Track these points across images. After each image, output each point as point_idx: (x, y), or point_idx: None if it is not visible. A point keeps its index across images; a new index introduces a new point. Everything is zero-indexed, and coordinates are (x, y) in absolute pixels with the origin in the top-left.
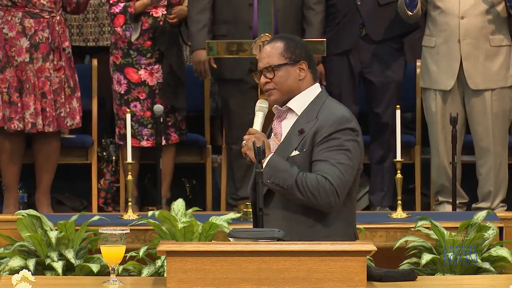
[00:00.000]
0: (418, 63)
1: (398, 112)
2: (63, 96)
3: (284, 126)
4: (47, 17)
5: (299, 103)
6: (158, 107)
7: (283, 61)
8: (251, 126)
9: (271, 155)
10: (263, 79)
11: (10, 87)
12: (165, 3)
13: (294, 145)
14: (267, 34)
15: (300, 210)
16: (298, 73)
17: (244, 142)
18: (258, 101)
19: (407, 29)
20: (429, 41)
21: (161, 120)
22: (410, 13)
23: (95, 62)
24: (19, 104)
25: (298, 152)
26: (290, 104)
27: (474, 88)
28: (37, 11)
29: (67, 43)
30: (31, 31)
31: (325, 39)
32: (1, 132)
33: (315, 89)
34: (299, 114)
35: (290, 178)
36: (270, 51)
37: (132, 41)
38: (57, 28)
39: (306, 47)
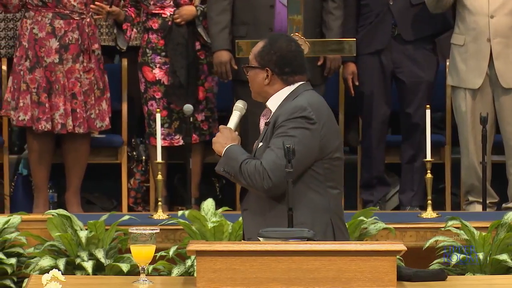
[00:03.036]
0: (448, 63)
1: (428, 112)
2: (93, 98)
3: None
4: (77, 18)
5: (275, 101)
6: (188, 107)
7: (254, 63)
8: None
9: (229, 145)
10: None
11: (39, 87)
12: (171, 3)
13: (261, 138)
14: (296, 34)
15: (268, 202)
16: (264, 78)
17: (214, 138)
18: (237, 101)
19: (439, 29)
20: (458, 39)
21: (191, 120)
22: None
23: (125, 62)
24: (47, 105)
25: (262, 144)
26: (268, 103)
27: (506, 86)
28: (67, 12)
29: (96, 45)
30: (61, 32)
31: (354, 39)
32: (30, 132)
33: (288, 90)
34: (273, 111)
35: (236, 165)
36: (253, 49)
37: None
38: (86, 30)
39: (280, 53)
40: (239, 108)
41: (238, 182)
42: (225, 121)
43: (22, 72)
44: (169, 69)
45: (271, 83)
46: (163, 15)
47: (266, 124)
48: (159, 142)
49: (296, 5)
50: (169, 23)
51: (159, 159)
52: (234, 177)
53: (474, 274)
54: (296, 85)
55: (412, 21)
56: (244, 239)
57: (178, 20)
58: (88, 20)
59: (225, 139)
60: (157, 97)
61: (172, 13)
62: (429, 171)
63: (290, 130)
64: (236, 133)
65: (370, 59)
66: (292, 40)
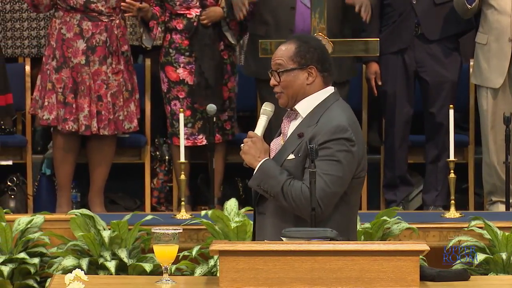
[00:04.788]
0: (471, 63)
1: (451, 112)
2: (121, 100)
3: (292, 127)
4: (106, 20)
5: (305, 105)
6: (211, 107)
7: (291, 66)
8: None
9: (264, 160)
10: (272, 81)
11: (65, 87)
12: (197, 3)
13: (292, 149)
14: (320, 34)
15: (292, 213)
16: (306, 77)
17: (242, 145)
18: (264, 104)
19: (463, 28)
20: (482, 38)
21: (214, 120)
22: (470, 6)
23: (148, 61)
24: (73, 105)
25: (294, 156)
26: (297, 106)
27: None
28: (95, 14)
29: (126, 47)
30: (88, 33)
31: (378, 39)
32: (56, 130)
33: (324, 93)
34: (304, 117)
35: (277, 185)
36: (282, 53)
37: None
38: (115, 32)
39: (320, 50)
40: (267, 112)
41: (277, 201)
42: (246, 121)
43: (48, 72)
44: (195, 70)
45: (313, 82)
46: (188, 16)
47: (299, 135)
48: (182, 142)
49: (319, 5)
50: (195, 23)
51: (182, 159)
52: (273, 197)
53: (497, 274)
54: (328, 93)
55: (435, 20)
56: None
57: (205, 22)
58: (117, 22)
59: (257, 152)
60: (180, 96)
61: (198, 13)
62: (452, 171)
63: (336, 154)
64: (267, 146)
65: (393, 59)
66: (317, 38)
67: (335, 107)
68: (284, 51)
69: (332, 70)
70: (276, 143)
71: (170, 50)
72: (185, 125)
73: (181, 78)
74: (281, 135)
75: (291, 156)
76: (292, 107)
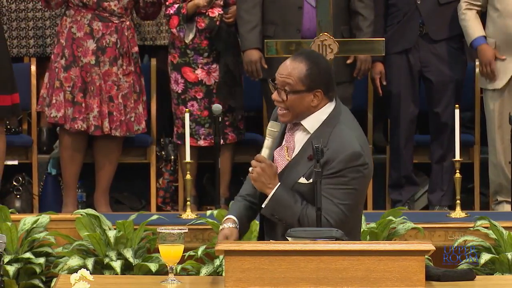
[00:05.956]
0: (477, 62)
1: (457, 112)
2: (132, 101)
3: (297, 141)
4: (116, 21)
5: (312, 122)
6: (217, 107)
7: (300, 88)
8: None
9: (276, 188)
10: (276, 96)
11: (74, 86)
12: (221, 3)
13: (302, 172)
14: (326, 33)
15: None
16: (311, 100)
17: (251, 169)
18: (269, 124)
19: None
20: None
21: (220, 120)
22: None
23: (153, 61)
24: (83, 105)
25: (306, 181)
26: (304, 122)
27: None
28: (107, 15)
29: (136, 48)
30: (98, 34)
31: (383, 39)
32: (63, 129)
33: (329, 107)
34: (311, 133)
35: (293, 216)
36: (291, 72)
37: (187, 42)
38: (126, 33)
39: (328, 73)
40: (273, 134)
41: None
42: (251, 121)
43: (57, 70)
44: (219, 69)
45: (317, 105)
46: (210, 15)
47: (309, 158)
48: (188, 141)
49: (325, 5)
50: (217, 23)
51: (188, 158)
52: (289, 226)
53: (503, 274)
54: (331, 107)
55: (439, 20)
56: (262, 238)
57: (230, 20)
58: (128, 23)
59: (268, 179)
60: (198, 97)
61: (220, 12)
62: (458, 171)
63: (352, 182)
64: (276, 167)
65: (398, 59)
66: (323, 56)
67: (343, 126)
68: (294, 70)
69: (335, 88)
70: (281, 155)
71: (188, 51)
72: (202, 126)
73: (199, 79)
74: (285, 149)
75: (303, 180)
76: (293, 122)
